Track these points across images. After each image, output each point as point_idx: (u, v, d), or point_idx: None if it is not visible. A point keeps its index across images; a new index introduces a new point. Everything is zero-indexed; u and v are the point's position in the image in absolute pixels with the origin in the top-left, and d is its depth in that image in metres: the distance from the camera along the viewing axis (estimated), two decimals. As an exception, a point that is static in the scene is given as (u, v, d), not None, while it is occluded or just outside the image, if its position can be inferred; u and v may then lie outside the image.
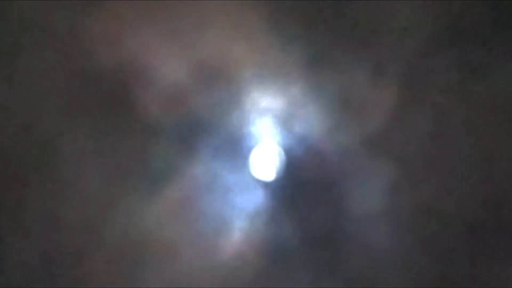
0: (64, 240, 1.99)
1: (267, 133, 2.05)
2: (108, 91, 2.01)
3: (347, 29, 2.04)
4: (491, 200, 2.03)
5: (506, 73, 2.05)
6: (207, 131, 2.03)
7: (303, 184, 2.04)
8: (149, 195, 2.00)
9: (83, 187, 2.01)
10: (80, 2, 2.01)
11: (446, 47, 2.05)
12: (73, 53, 2.01)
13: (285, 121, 2.06)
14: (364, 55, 2.04)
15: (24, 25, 2.01)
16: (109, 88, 2.01)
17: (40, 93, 2.01)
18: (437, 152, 2.04)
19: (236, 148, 2.04)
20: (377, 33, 2.04)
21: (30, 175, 2.00)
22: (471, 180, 2.04)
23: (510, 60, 2.05)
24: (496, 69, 2.04)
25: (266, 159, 2.03)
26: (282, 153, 2.05)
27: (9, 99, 2.00)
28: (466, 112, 2.04)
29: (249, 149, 2.04)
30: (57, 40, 2.01)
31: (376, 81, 2.04)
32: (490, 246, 2.02)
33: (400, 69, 2.04)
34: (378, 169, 2.04)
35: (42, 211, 2.00)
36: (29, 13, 2.01)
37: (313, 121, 2.05)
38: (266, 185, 2.03)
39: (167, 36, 2.02)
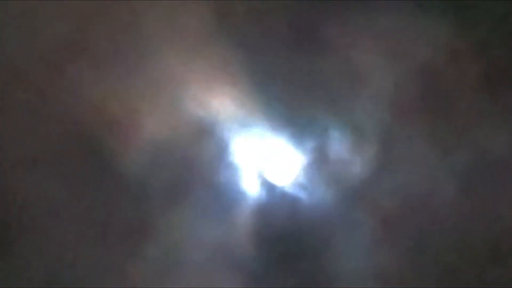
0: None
1: (249, 187, 2.07)
2: (88, 147, 2.02)
3: (325, 87, 2.10)
4: (473, 258, 2.06)
5: (485, 133, 2.11)
6: (190, 186, 2.04)
7: (285, 239, 2.06)
8: (132, 251, 1.99)
9: (62, 244, 2.00)
10: (62, 55, 2.04)
11: (423, 107, 2.11)
12: (52, 106, 2.02)
13: (267, 176, 2.08)
14: (342, 114, 2.09)
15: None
16: (88, 144, 2.02)
17: (17, 148, 2.01)
18: (417, 208, 2.08)
19: (219, 203, 2.05)
20: (354, 93, 2.10)
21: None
22: (452, 237, 2.07)
23: (490, 120, 2.11)
24: (477, 131, 2.11)
25: (249, 212, 2.05)
26: (265, 208, 2.06)
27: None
28: (446, 169, 2.09)
29: (232, 203, 2.05)
30: (36, 93, 2.02)
31: (354, 139, 2.09)
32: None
33: (378, 129, 2.09)
34: (358, 225, 2.06)
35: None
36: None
37: (294, 177, 2.08)
38: (249, 238, 2.04)
39: (149, 91, 2.06)
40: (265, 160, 2.09)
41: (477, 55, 2.15)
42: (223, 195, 2.06)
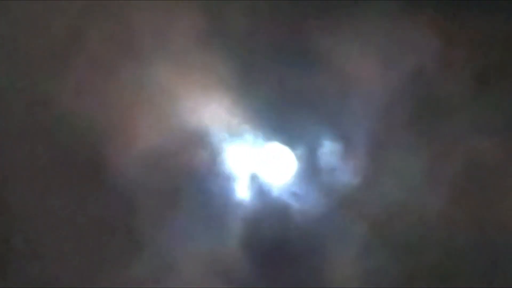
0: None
1: (241, 195, 2.09)
2: (80, 157, 2.04)
3: (316, 96, 2.12)
4: (462, 263, 2.09)
5: (476, 141, 2.12)
6: (182, 194, 2.06)
7: (276, 246, 2.08)
8: (125, 258, 2.02)
9: (61, 258, 2.02)
10: (53, 69, 2.05)
11: (414, 116, 2.13)
12: (44, 118, 2.04)
13: (258, 184, 2.10)
14: (333, 122, 2.11)
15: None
16: (81, 154, 2.04)
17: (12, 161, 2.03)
18: (406, 215, 2.10)
19: (211, 210, 2.07)
20: (345, 102, 2.12)
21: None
22: (441, 242, 2.09)
23: (481, 128, 2.13)
24: (468, 139, 2.12)
25: (240, 220, 2.07)
26: (256, 215, 2.09)
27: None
28: (436, 177, 2.11)
29: (224, 211, 2.07)
30: (29, 108, 2.04)
31: (345, 147, 2.11)
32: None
33: (368, 137, 2.11)
34: (348, 231, 2.09)
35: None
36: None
37: (285, 185, 2.11)
38: (241, 245, 2.06)
39: (140, 100, 2.07)
40: (256, 168, 2.11)
41: (468, 62, 2.16)
42: (215, 203, 2.08)
